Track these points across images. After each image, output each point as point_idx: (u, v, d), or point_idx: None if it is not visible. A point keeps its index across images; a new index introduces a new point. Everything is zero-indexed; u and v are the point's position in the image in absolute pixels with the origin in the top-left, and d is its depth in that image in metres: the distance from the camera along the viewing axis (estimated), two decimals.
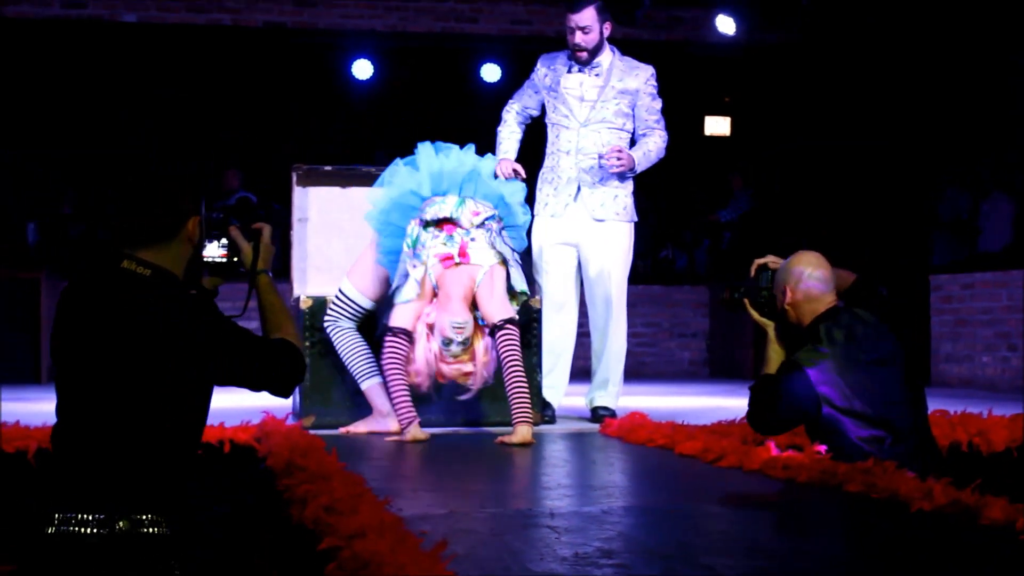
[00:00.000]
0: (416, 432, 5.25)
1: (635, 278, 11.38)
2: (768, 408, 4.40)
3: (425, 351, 5.26)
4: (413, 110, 13.01)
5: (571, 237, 6.19)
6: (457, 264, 5.37)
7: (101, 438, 3.08)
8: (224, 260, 3.40)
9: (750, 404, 4.47)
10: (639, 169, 6.15)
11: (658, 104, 6.23)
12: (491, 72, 12.25)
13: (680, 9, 11.70)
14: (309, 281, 6.32)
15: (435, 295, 5.37)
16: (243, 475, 4.62)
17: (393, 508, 3.25)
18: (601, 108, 6.16)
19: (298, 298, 5.84)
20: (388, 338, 5.31)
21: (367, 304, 5.67)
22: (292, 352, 3.26)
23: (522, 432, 5.19)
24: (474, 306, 5.37)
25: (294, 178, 6.32)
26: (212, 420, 4.90)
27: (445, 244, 5.42)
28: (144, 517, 3.03)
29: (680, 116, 12.90)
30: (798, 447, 4.47)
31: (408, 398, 5.28)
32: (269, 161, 12.41)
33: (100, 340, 3.08)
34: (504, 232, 5.58)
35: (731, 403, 6.88)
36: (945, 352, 9.24)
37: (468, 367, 5.27)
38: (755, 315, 4.63)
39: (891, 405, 4.33)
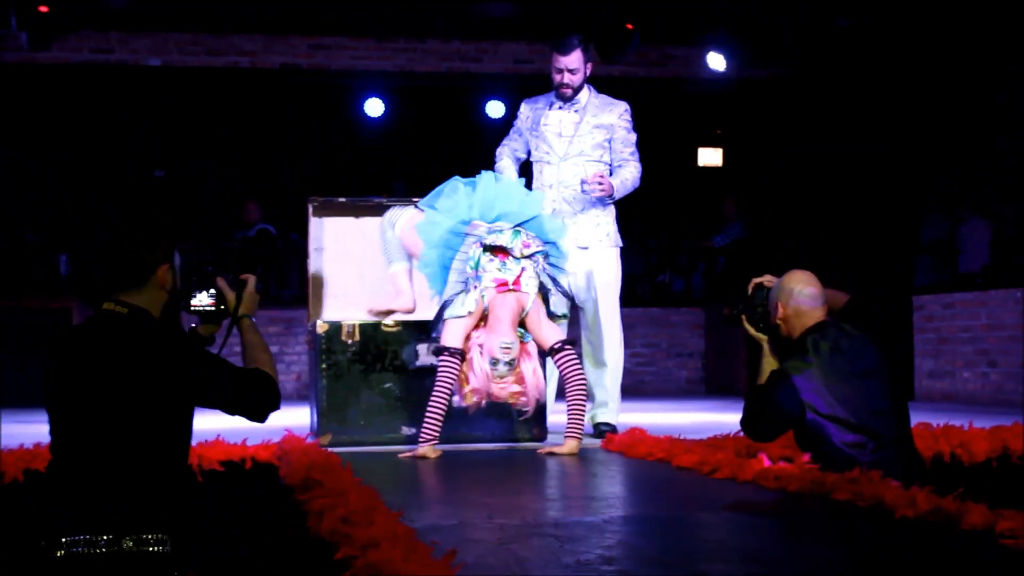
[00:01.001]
0: (427, 450, 5.26)
1: (634, 301, 11.43)
2: (759, 414, 4.43)
3: (479, 370, 5.30)
4: (422, 145, 13.05)
5: None
6: (510, 291, 5.42)
7: (97, 465, 3.15)
8: (212, 308, 3.58)
9: (744, 411, 4.49)
10: (617, 196, 6.19)
11: (633, 137, 6.27)
12: (495, 109, 12.30)
13: (672, 47, 11.73)
14: (325, 307, 6.33)
15: (484, 318, 5.41)
16: (264, 490, 4.62)
17: (405, 519, 3.25)
18: (578, 142, 6.20)
19: (315, 323, 5.84)
20: (443, 357, 5.33)
21: (399, 258, 5.77)
22: (265, 381, 3.36)
23: (571, 445, 5.32)
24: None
25: (310, 209, 6.34)
26: (235, 438, 4.93)
27: (500, 270, 5.47)
28: (149, 536, 3.08)
29: (674, 148, 12.98)
30: (789, 459, 4.47)
31: (438, 420, 5.29)
32: (287, 194, 12.44)
33: (87, 376, 3.16)
34: (548, 263, 5.61)
35: (725, 418, 6.87)
36: (928, 368, 9.24)
37: (516, 388, 5.31)
38: (751, 330, 4.66)
39: (874, 414, 4.35)
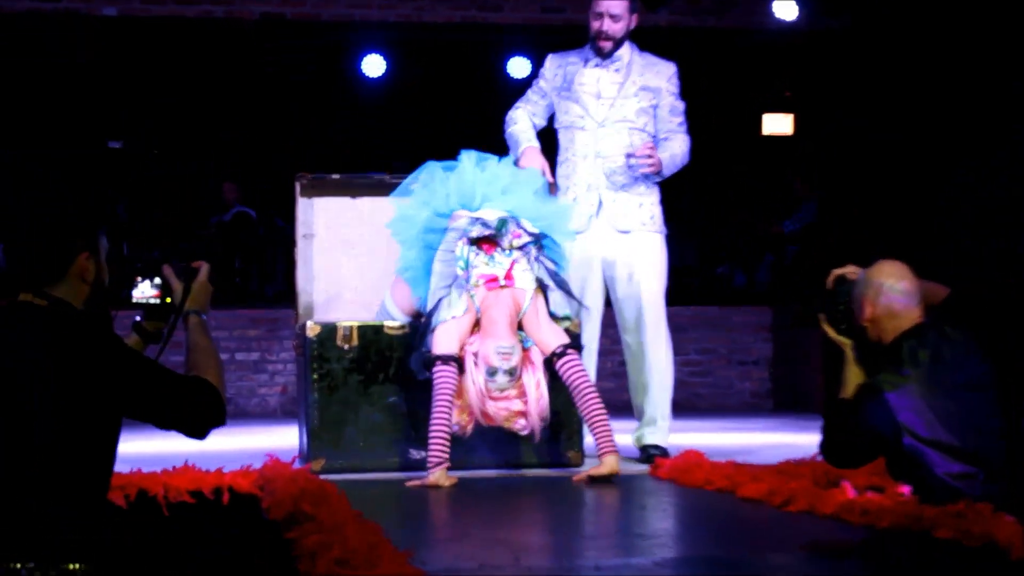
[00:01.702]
0: (440, 476, 5.25)
1: (686, 298, 11.40)
2: (843, 437, 4.39)
3: (471, 384, 5.32)
4: (430, 111, 13.07)
5: (595, 253, 6.19)
6: (502, 287, 5.49)
7: (11, 484, 3.14)
8: (157, 301, 3.62)
9: (824, 432, 4.46)
10: (666, 174, 6.22)
11: (681, 105, 6.30)
12: (519, 67, 12.28)
13: None
14: (316, 305, 6.33)
15: (477, 321, 5.45)
16: (243, 526, 4.62)
17: (415, 561, 3.24)
18: (621, 106, 6.21)
19: (304, 325, 5.84)
20: (438, 368, 5.36)
21: (403, 320, 5.85)
22: (208, 391, 3.37)
23: (610, 463, 5.33)
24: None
25: (298, 188, 6.34)
26: (209, 464, 4.93)
27: (488, 265, 5.54)
28: (73, 567, 3.09)
29: (734, 114, 12.96)
30: (878, 488, 4.44)
31: (445, 438, 5.31)
32: (269, 171, 12.48)
33: (3, 371, 3.17)
34: (544, 255, 5.67)
35: (799, 439, 6.85)
36: None
37: (517, 405, 5.33)
38: (831, 332, 4.63)
39: (983, 436, 4.30)
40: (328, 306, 6.33)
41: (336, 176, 6.38)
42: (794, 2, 11.08)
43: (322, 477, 5.06)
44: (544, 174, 6.07)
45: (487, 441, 5.78)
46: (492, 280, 5.51)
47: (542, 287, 5.59)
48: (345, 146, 13.08)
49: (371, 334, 5.82)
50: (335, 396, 5.77)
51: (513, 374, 5.34)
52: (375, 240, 6.19)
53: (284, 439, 6.62)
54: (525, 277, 5.56)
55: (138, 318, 3.67)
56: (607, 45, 6.21)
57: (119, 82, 12.59)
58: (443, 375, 5.35)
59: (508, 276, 5.53)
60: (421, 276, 5.65)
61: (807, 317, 4.80)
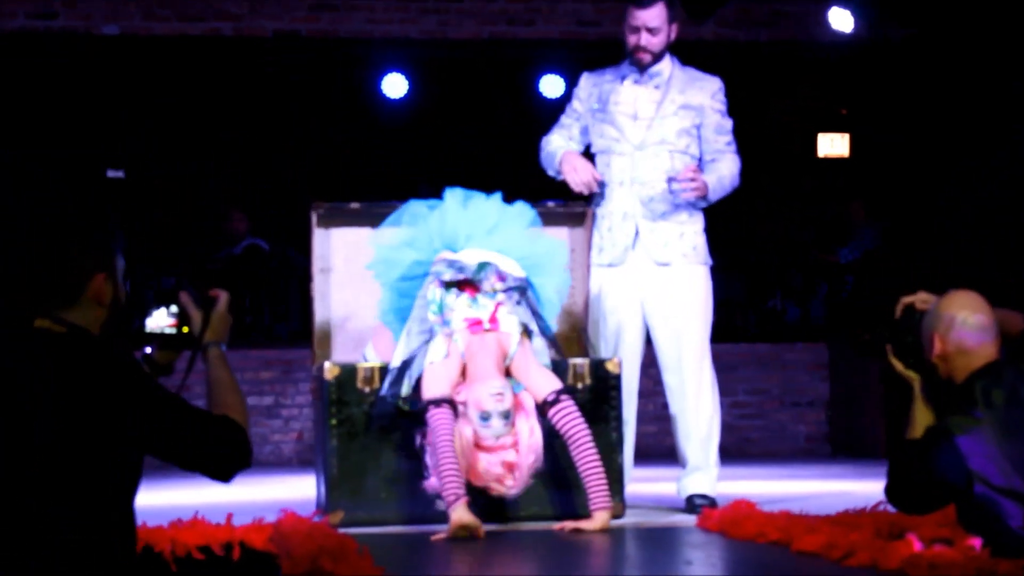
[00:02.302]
0: (462, 514, 5.26)
1: (735, 334, 11.39)
2: (911, 482, 4.36)
3: (458, 438, 5.40)
4: (456, 134, 13.08)
5: (633, 288, 6.20)
6: (487, 331, 5.56)
7: (25, 534, 3.12)
8: (173, 332, 3.57)
9: (889, 476, 4.44)
10: (712, 199, 6.18)
11: (728, 123, 6.27)
12: (552, 85, 12.31)
13: (782, 2, 11.70)
14: (335, 345, 6.33)
15: (463, 368, 5.53)
16: None
17: None
18: (659, 127, 6.20)
19: (322, 367, 5.85)
20: (432, 411, 5.42)
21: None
22: (233, 430, 3.37)
23: (601, 519, 5.38)
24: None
25: (314, 219, 6.35)
26: (220, 517, 4.93)
27: (470, 307, 5.62)
28: None
29: (786, 134, 12.95)
30: (947, 540, 4.42)
31: (458, 474, 5.34)
32: (284, 199, 12.50)
33: (11, 405, 3.15)
34: (529, 299, 5.77)
35: (860, 487, 6.82)
36: None
37: (510, 455, 5.36)
38: (898, 365, 4.61)
39: None
40: (348, 346, 6.34)
41: (355, 205, 6.39)
42: (849, 12, 11.07)
43: (342, 531, 5.06)
44: (590, 177, 6.11)
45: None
46: (476, 323, 5.57)
47: (528, 332, 5.66)
48: (365, 173, 13.10)
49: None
50: (355, 443, 5.77)
51: (507, 418, 5.39)
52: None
53: (300, 490, 6.62)
54: (510, 321, 5.62)
55: (148, 349, 3.67)
56: (645, 58, 6.20)
57: (120, 104, 12.65)
58: (439, 418, 5.39)
59: (492, 319, 5.59)
60: (398, 324, 5.74)
61: (869, 346, 4.76)
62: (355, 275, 6.37)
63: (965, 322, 4.42)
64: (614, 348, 6.18)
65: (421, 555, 5.01)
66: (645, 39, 6.18)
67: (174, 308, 3.57)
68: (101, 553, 3.19)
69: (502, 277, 5.67)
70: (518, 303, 5.70)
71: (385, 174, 12.97)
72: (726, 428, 6.39)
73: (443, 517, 5.65)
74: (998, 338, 4.45)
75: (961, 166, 11.70)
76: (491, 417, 5.36)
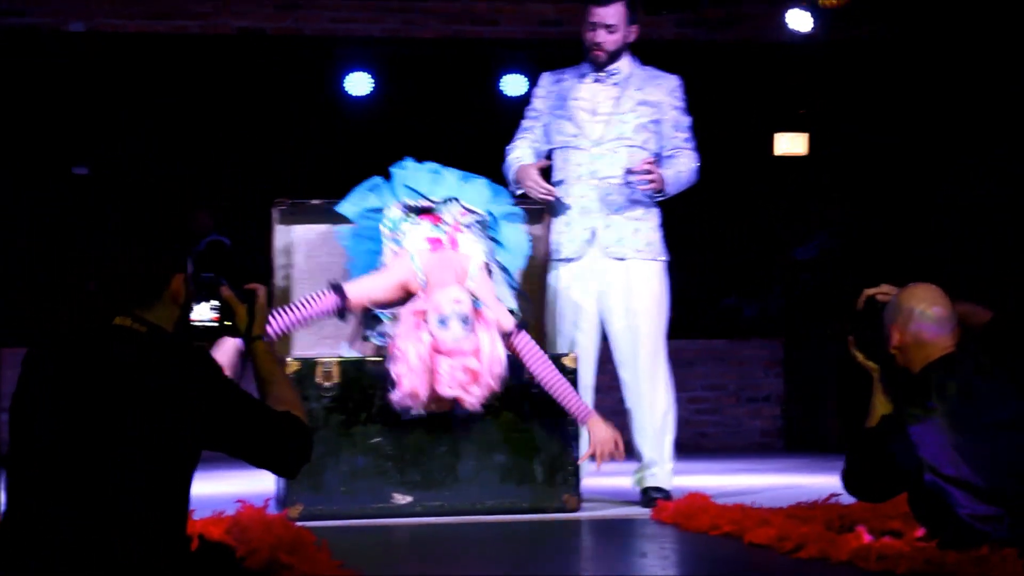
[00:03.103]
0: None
1: (692, 330, 11.38)
2: (866, 468, 4.39)
3: (418, 345, 5.43)
4: (419, 132, 13.03)
5: (590, 283, 6.21)
6: (447, 248, 5.76)
7: (72, 524, 3.15)
8: (216, 324, 3.57)
9: (846, 463, 4.45)
10: (669, 192, 6.21)
11: (687, 120, 6.30)
12: (514, 84, 12.28)
13: (742, 3, 11.70)
14: (295, 340, 6.33)
15: (414, 291, 5.68)
16: None
17: None
18: (618, 123, 6.22)
19: (282, 360, 5.84)
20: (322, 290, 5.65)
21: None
22: (299, 428, 3.45)
23: (599, 427, 5.68)
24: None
25: (275, 215, 6.35)
26: None
27: (432, 230, 5.81)
28: None
29: (744, 132, 12.95)
30: (896, 532, 4.44)
31: (285, 321, 5.55)
32: (246, 196, 12.46)
33: (91, 401, 3.20)
34: (490, 235, 5.92)
35: (812, 481, 6.84)
36: None
37: (472, 362, 5.44)
38: (859, 356, 4.64)
39: (1013, 477, 4.28)
40: (307, 340, 6.33)
41: (316, 202, 6.39)
42: (808, 13, 11.08)
43: (300, 524, 5.05)
44: (547, 188, 6.14)
45: (477, 484, 5.78)
46: (436, 241, 5.76)
47: (488, 270, 5.82)
48: (328, 169, 13.06)
49: (353, 370, 5.81)
50: (314, 437, 5.74)
51: (467, 322, 5.49)
52: None
53: (259, 484, 6.60)
54: (472, 247, 5.80)
55: None
56: (601, 56, 6.23)
57: (86, 101, 12.58)
58: (317, 295, 5.61)
59: (454, 242, 5.79)
60: (366, 264, 5.88)
61: (830, 339, 4.81)
62: (316, 270, 6.37)
63: (923, 314, 4.44)
64: (571, 343, 6.18)
65: (379, 550, 5.01)
66: (602, 36, 6.20)
67: (215, 302, 3.57)
68: (167, 541, 3.25)
69: (465, 211, 5.84)
70: (480, 234, 5.84)
71: (348, 171, 12.90)
72: (682, 423, 6.40)
73: (401, 511, 5.66)
74: (956, 331, 4.46)
75: (923, 165, 11.74)
76: (448, 320, 5.45)
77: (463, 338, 5.45)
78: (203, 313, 3.55)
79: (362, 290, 5.66)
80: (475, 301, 5.59)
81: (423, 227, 5.81)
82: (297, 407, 3.50)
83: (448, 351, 5.44)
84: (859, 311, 4.69)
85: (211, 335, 3.58)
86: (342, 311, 5.61)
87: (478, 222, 5.86)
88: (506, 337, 5.60)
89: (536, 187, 6.17)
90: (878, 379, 4.58)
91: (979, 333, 4.54)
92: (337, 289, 5.60)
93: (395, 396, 5.53)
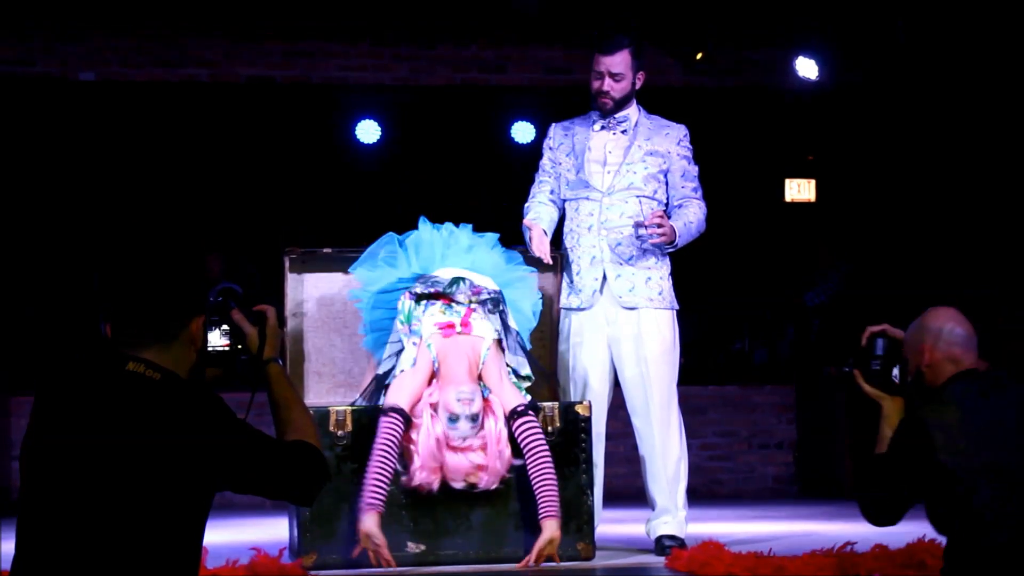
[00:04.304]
0: (369, 526, 5.46)
1: (703, 377, 11.36)
2: (879, 477, 4.41)
3: (428, 437, 5.53)
4: (429, 179, 13.05)
5: (601, 331, 6.21)
6: (459, 333, 5.73)
7: (82, 573, 3.12)
8: (227, 349, 3.50)
9: (857, 488, 4.46)
10: (680, 244, 6.20)
11: (694, 169, 6.32)
12: (523, 132, 12.32)
13: (750, 51, 11.73)
14: (308, 388, 6.32)
15: (434, 375, 5.69)
16: None
17: None
18: (627, 172, 6.23)
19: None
20: (383, 418, 5.57)
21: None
22: (312, 455, 3.41)
23: (550, 528, 5.53)
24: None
25: (287, 264, 6.35)
26: None
27: (444, 313, 5.79)
28: None
29: (753, 179, 12.96)
30: None
31: (380, 484, 5.49)
32: (257, 244, 12.47)
33: (101, 450, 3.17)
34: (503, 311, 5.90)
35: (827, 528, 6.82)
36: None
37: (478, 457, 5.51)
38: (867, 388, 4.66)
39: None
40: (320, 389, 6.33)
41: (327, 250, 6.39)
42: (814, 61, 11.11)
43: (314, 573, 5.04)
44: (545, 251, 6.15)
45: (491, 532, 5.76)
46: (448, 327, 5.74)
47: (500, 342, 5.81)
48: (338, 217, 13.08)
49: (366, 419, 5.80)
50: (328, 486, 5.73)
51: (475, 420, 5.54)
52: None
53: (273, 532, 6.59)
54: (483, 326, 5.78)
55: None
56: (608, 103, 6.24)
57: (95, 150, 12.61)
58: (384, 426, 5.55)
59: (465, 323, 5.75)
60: (381, 339, 5.88)
61: (839, 380, 4.83)
62: (327, 319, 6.37)
63: (953, 331, 4.52)
64: (583, 391, 6.18)
65: None
66: (608, 84, 6.22)
67: (225, 327, 3.49)
68: None
69: (476, 290, 5.84)
70: (491, 312, 5.82)
71: (358, 219, 12.93)
72: (695, 470, 6.39)
73: (415, 560, 5.65)
74: (977, 350, 4.53)
75: (931, 207, 11.74)
76: (458, 420, 5.50)
77: (471, 436, 5.54)
78: (214, 339, 3.48)
79: (407, 396, 5.66)
80: (484, 389, 5.67)
81: (435, 309, 5.83)
82: (311, 432, 3.46)
83: (456, 448, 5.55)
84: (863, 347, 4.75)
85: (223, 361, 3.51)
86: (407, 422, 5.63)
87: (490, 299, 5.87)
88: (512, 418, 5.65)
89: (534, 245, 6.16)
90: (887, 408, 4.63)
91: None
92: (396, 411, 5.60)
93: (407, 481, 5.62)
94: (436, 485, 5.58)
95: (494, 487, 5.62)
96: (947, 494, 4.33)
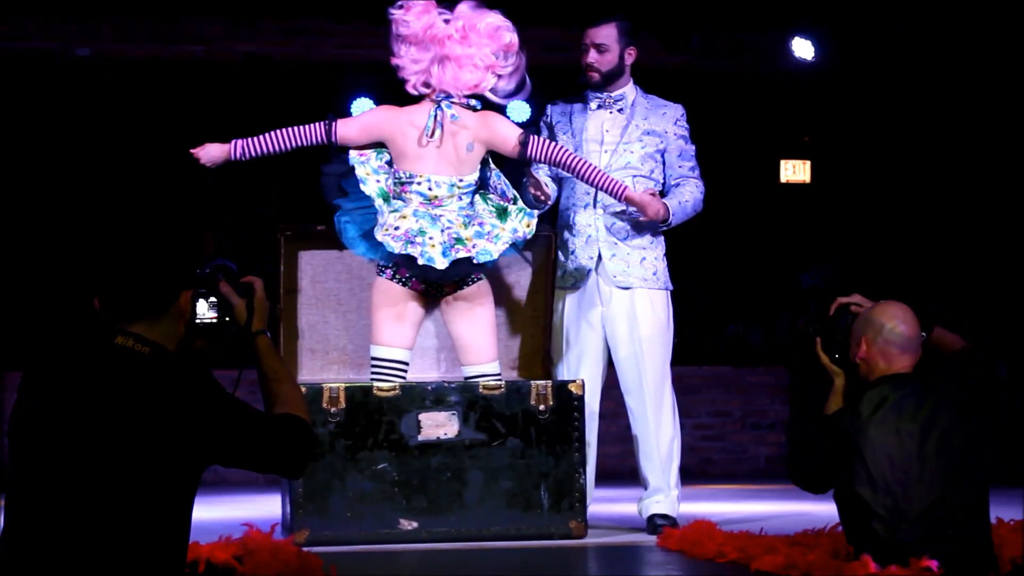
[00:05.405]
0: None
1: (698, 357, 11.38)
2: (804, 454, 4.49)
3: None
4: None
5: (595, 310, 6.22)
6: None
7: (71, 547, 3.13)
8: (215, 321, 3.49)
9: (789, 448, 4.55)
10: (674, 222, 6.20)
11: (691, 149, 6.32)
12: (519, 110, 12.28)
13: (746, 32, 11.72)
14: (301, 365, 6.33)
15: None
16: None
17: None
18: (624, 151, 6.24)
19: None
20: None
21: (407, 356, 5.92)
22: (300, 428, 3.40)
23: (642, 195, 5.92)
24: None
25: (281, 240, 6.35)
26: None
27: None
28: None
29: (749, 160, 12.95)
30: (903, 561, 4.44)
31: (260, 144, 6.29)
32: (252, 221, 12.46)
33: (90, 423, 3.17)
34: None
35: (818, 508, 6.82)
36: None
37: None
38: (824, 359, 4.72)
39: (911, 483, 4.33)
40: (313, 366, 6.33)
41: (322, 227, 6.38)
42: (810, 42, 11.11)
43: (306, 549, 5.05)
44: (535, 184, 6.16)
45: (483, 510, 5.77)
46: None
47: None
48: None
49: (359, 396, 5.81)
50: (320, 462, 5.75)
51: None
52: (364, 295, 6.19)
53: (266, 508, 6.60)
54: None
55: None
56: (595, 77, 6.26)
57: (91, 125, 12.59)
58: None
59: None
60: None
61: (802, 334, 4.84)
62: (321, 296, 6.38)
63: (893, 331, 4.54)
64: (576, 369, 6.18)
65: (385, 572, 5.00)
66: (593, 56, 6.24)
67: (213, 298, 3.48)
68: (169, 564, 3.22)
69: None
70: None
71: None
72: (688, 449, 6.40)
73: (408, 537, 5.66)
74: (917, 354, 4.55)
75: (927, 190, 11.74)
76: None
77: None
78: (202, 310, 3.47)
79: (358, 122, 6.10)
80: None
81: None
82: (300, 404, 3.46)
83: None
84: (830, 316, 4.77)
85: (211, 332, 3.49)
86: (329, 137, 6.07)
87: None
88: (522, 147, 5.87)
89: (534, 182, 6.15)
90: (839, 384, 4.66)
91: (947, 359, 4.62)
92: (329, 119, 6.11)
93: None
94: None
95: None
96: (851, 506, 4.39)
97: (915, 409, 4.41)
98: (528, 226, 5.84)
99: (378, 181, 5.87)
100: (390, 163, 5.93)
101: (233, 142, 6.04)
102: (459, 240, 5.72)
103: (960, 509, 4.39)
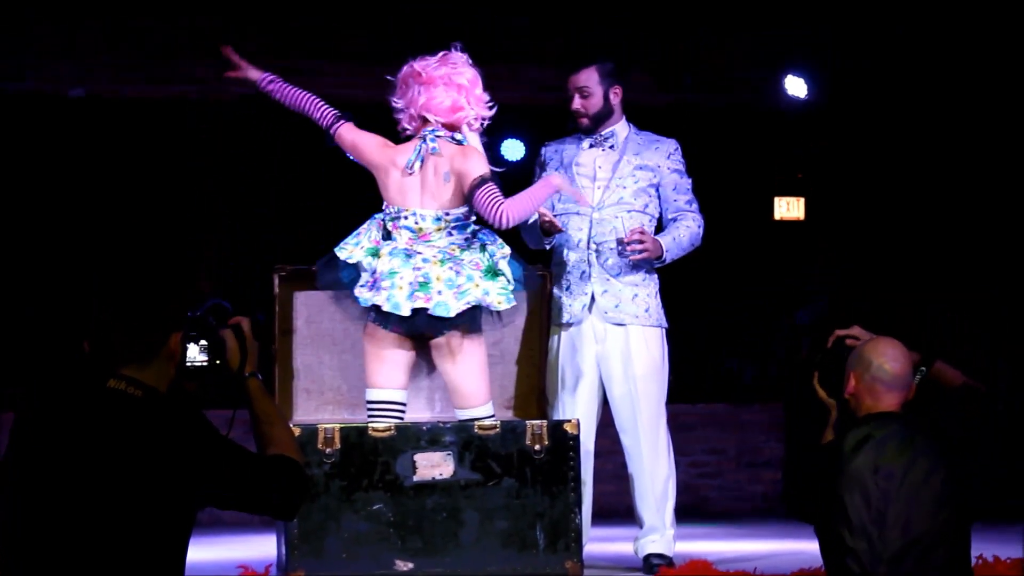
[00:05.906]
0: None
1: (692, 395, 11.36)
2: (799, 486, 4.49)
3: None
4: None
5: (589, 348, 6.22)
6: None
7: None
8: (205, 364, 3.48)
9: (784, 483, 4.56)
10: (668, 258, 6.21)
11: (687, 182, 6.33)
12: (513, 149, 12.29)
13: (739, 68, 11.75)
14: (297, 406, 6.32)
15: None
16: None
17: None
18: (616, 187, 6.26)
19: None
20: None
21: (401, 396, 5.90)
22: (292, 469, 3.41)
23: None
24: None
25: (276, 281, 6.35)
26: None
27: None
28: None
29: (743, 197, 12.96)
30: None
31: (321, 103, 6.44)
32: (247, 261, 12.45)
33: (83, 468, 3.17)
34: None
35: (814, 546, 6.81)
36: None
37: None
38: (820, 391, 4.72)
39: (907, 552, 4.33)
40: (308, 406, 6.33)
41: (316, 268, 6.39)
42: (803, 80, 11.15)
43: None
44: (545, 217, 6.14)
45: (479, 550, 5.76)
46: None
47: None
48: (328, 236, 13.06)
49: (354, 436, 5.81)
50: (316, 503, 5.74)
51: None
52: (359, 335, 6.19)
53: (261, 549, 6.58)
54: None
55: None
56: (584, 122, 6.31)
57: (84, 166, 12.59)
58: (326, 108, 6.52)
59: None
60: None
61: (804, 366, 4.89)
62: (316, 337, 6.38)
63: (881, 368, 4.53)
64: (571, 408, 6.18)
65: None
66: (578, 102, 6.29)
67: (204, 341, 3.47)
68: None
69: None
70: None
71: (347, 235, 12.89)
72: (683, 487, 6.40)
73: None
74: (906, 393, 4.54)
75: (925, 192, 11.74)
76: None
77: None
78: (193, 353, 3.46)
79: (358, 136, 6.32)
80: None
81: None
82: (291, 445, 3.46)
83: None
84: (828, 349, 4.77)
85: (202, 375, 3.48)
86: (331, 130, 6.29)
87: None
88: (471, 190, 5.78)
89: (544, 216, 6.14)
90: (834, 417, 4.66)
91: (946, 394, 4.62)
92: (343, 118, 6.30)
93: None
94: None
95: None
96: (829, 547, 4.41)
97: (897, 448, 4.41)
98: (500, 303, 5.79)
99: (361, 245, 5.88)
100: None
101: (269, 76, 6.52)
102: (424, 285, 5.72)
103: (939, 549, 4.38)
